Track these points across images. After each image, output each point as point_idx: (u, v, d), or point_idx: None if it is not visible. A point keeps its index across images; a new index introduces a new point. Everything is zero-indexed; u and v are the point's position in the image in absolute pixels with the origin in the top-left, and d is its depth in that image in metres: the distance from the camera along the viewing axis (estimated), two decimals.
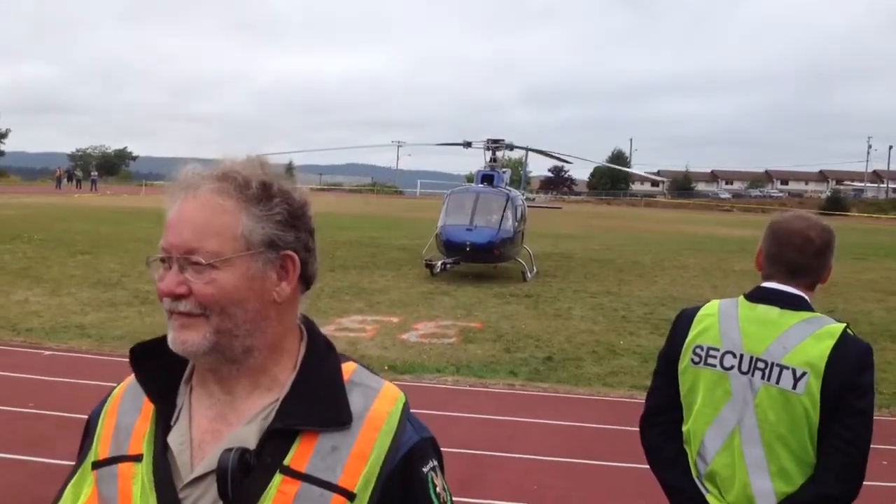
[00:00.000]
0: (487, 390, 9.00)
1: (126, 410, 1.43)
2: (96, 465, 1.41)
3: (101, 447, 1.42)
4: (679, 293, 17.32)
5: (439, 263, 18.30)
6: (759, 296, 2.64)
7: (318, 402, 1.35)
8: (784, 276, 2.62)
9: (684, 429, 2.68)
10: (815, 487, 2.42)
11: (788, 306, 2.57)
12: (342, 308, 13.56)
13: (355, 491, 1.30)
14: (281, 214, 1.36)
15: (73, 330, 11.11)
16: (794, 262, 2.60)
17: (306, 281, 1.43)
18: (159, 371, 1.41)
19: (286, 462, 1.30)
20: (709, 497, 2.58)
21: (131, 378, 1.46)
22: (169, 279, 1.30)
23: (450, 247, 18.29)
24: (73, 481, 1.44)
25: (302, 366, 1.39)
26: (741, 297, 2.69)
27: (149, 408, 1.40)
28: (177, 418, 1.38)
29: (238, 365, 1.35)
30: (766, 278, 2.67)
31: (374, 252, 23.14)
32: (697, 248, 30.15)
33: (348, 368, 1.43)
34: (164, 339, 1.40)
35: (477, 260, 18.64)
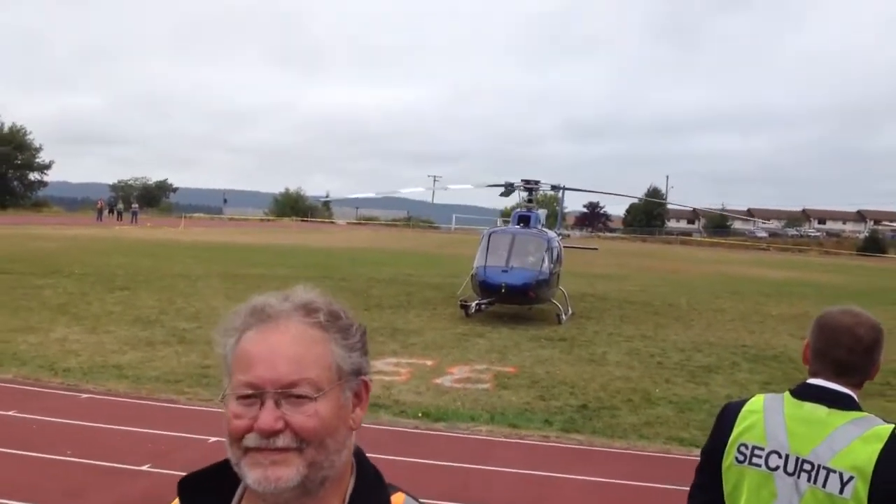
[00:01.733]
0: (522, 442, 8.92)
1: None
2: None
3: None
4: (716, 338, 17.15)
5: (474, 304, 18.28)
6: (805, 393, 2.58)
7: None
8: (832, 374, 2.56)
9: None
10: None
11: (836, 405, 2.51)
12: (377, 350, 13.55)
13: None
14: (360, 342, 1.38)
15: (111, 370, 11.20)
16: (843, 360, 2.54)
17: None
18: (207, 501, 1.39)
19: None
20: None
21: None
22: (266, 415, 1.26)
23: (485, 288, 18.27)
24: None
25: (352, 499, 1.36)
26: (787, 394, 2.63)
27: None
28: None
29: (310, 498, 1.32)
30: (813, 375, 2.61)
31: (410, 291, 23.16)
32: (734, 290, 29.84)
33: (397, 501, 1.41)
34: (212, 468, 1.41)
35: (512, 302, 18.62)
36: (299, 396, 1.28)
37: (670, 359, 14.36)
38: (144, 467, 7.01)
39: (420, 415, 9.67)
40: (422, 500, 1.46)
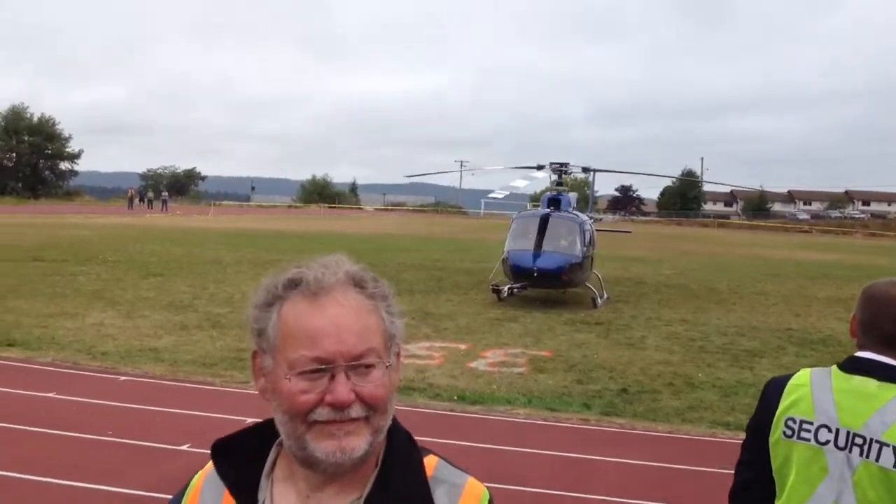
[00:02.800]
0: (561, 425, 8.81)
1: None
2: None
3: None
4: (759, 322, 16.88)
5: (506, 288, 18.16)
6: (854, 366, 2.51)
7: (403, 502, 1.34)
8: (880, 346, 2.49)
9: None
10: None
11: (886, 378, 2.43)
12: (409, 334, 13.43)
13: None
14: (397, 308, 1.40)
15: (147, 354, 11.25)
16: (891, 332, 2.47)
17: None
18: (241, 465, 1.40)
19: None
20: None
21: (209, 470, 1.44)
22: (341, 388, 1.27)
23: (517, 272, 18.13)
24: None
25: (384, 462, 1.37)
26: (834, 367, 2.56)
27: (230, 503, 1.39)
28: None
29: (359, 465, 1.32)
30: (861, 348, 2.54)
31: (440, 276, 23.11)
32: (776, 273, 29.44)
33: (430, 463, 1.41)
34: (245, 432, 1.44)
35: (545, 286, 18.44)
36: (367, 366, 1.30)
37: (712, 343, 14.14)
38: (184, 447, 7.04)
39: (455, 398, 9.59)
40: (456, 465, 1.45)
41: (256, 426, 1.44)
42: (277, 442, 1.41)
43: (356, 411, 1.28)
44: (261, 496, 1.37)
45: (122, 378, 9.88)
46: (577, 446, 7.99)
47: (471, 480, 1.41)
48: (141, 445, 7.16)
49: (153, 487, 5.96)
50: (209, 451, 1.43)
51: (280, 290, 1.33)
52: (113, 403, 8.64)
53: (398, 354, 1.39)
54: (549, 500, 6.41)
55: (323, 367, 1.28)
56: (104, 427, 7.64)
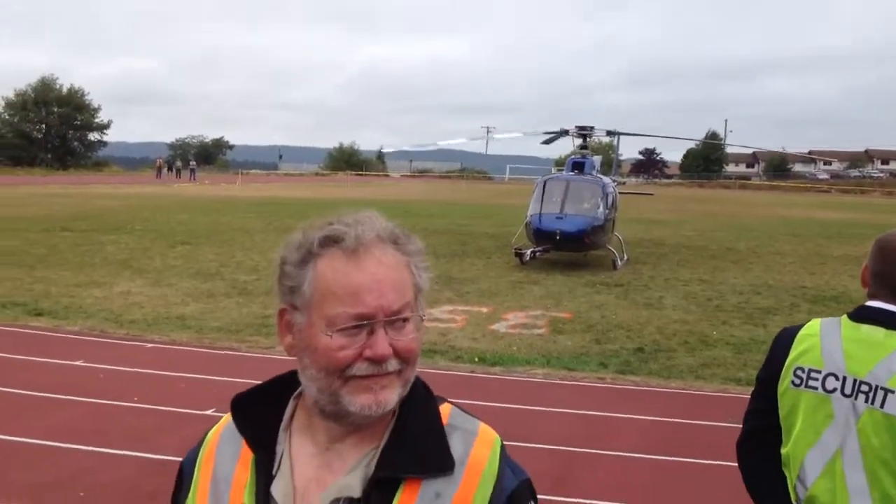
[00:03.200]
0: (578, 384, 8.96)
1: (223, 459, 1.43)
2: None
3: (198, 497, 1.42)
4: (775, 281, 16.91)
5: (528, 252, 18.24)
6: (863, 315, 2.53)
7: (420, 448, 1.36)
8: (890, 296, 2.50)
9: (783, 452, 2.60)
10: None
11: (894, 327, 2.45)
12: (433, 298, 13.61)
13: None
14: (425, 263, 1.41)
15: (174, 321, 11.47)
16: None
17: None
18: (259, 419, 1.42)
19: None
20: None
21: (225, 423, 1.47)
22: (382, 343, 1.30)
23: (540, 235, 18.20)
24: None
25: (400, 411, 1.39)
26: (844, 317, 2.58)
27: (247, 456, 1.40)
28: (278, 467, 1.38)
29: (383, 416, 1.36)
30: (871, 297, 2.56)
31: (464, 240, 23.20)
32: (794, 232, 29.28)
33: (445, 411, 1.43)
34: (262, 387, 1.46)
35: (567, 249, 18.51)
36: (404, 320, 1.32)
37: (728, 301, 14.21)
38: (209, 411, 7.18)
39: (476, 360, 9.74)
40: (469, 412, 1.48)
41: (273, 381, 1.47)
42: (295, 395, 1.44)
43: (392, 365, 1.31)
44: (278, 449, 1.39)
45: (149, 345, 10.11)
46: (592, 404, 8.12)
47: (483, 426, 1.43)
48: (167, 411, 7.34)
49: (180, 452, 6.06)
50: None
51: (316, 246, 1.33)
52: (140, 370, 8.86)
53: (424, 308, 1.41)
54: (565, 456, 6.56)
55: (364, 322, 1.30)
56: (131, 394, 7.84)
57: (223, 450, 1.44)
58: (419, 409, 1.40)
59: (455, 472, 1.34)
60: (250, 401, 1.45)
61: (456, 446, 1.37)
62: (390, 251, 1.34)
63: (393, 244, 1.35)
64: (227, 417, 1.47)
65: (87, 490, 5.61)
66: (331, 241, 1.34)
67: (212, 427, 1.51)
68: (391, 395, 1.32)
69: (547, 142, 23.93)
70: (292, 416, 1.43)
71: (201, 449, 1.48)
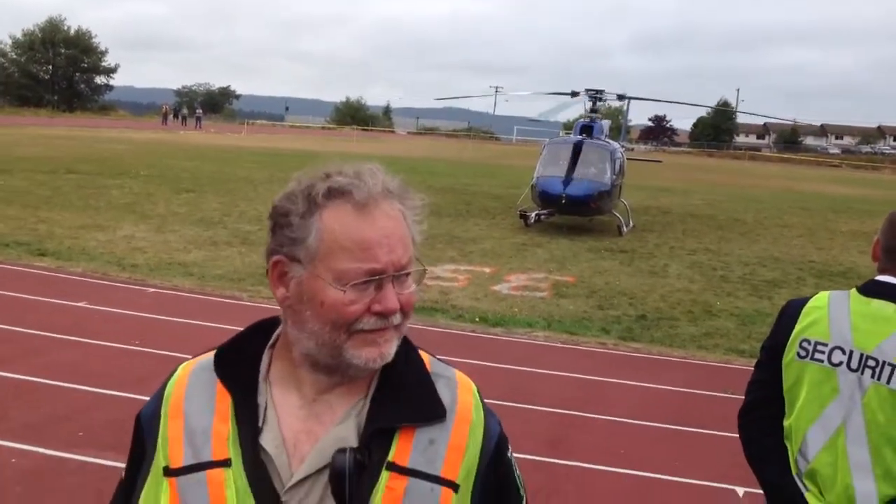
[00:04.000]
0: (579, 348, 8.95)
1: (195, 411, 1.38)
2: (172, 472, 1.34)
3: (171, 452, 1.35)
4: (781, 253, 16.86)
5: (533, 215, 18.17)
6: (873, 290, 2.49)
7: (412, 397, 1.37)
8: None
9: (786, 424, 2.58)
10: None
11: None
12: (435, 256, 13.59)
13: (458, 482, 1.34)
14: (420, 215, 1.40)
15: (177, 268, 11.48)
16: None
17: None
18: (238, 370, 1.40)
19: (390, 458, 1.32)
20: (808, 496, 2.48)
21: (186, 375, 1.44)
22: (392, 297, 1.31)
23: (545, 199, 18.10)
24: (144, 489, 1.38)
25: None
26: (853, 290, 2.55)
27: (224, 408, 1.37)
28: (264, 418, 1.36)
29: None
30: (882, 272, 2.52)
31: (469, 200, 23.12)
32: (803, 206, 29.15)
33: (425, 359, 1.45)
34: (239, 337, 1.45)
35: (572, 213, 18.40)
36: (408, 274, 1.34)
37: (733, 272, 14.18)
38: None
39: (477, 319, 9.73)
40: (440, 357, 1.50)
41: (247, 332, 1.46)
42: (269, 346, 1.43)
43: (396, 318, 1.32)
44: (260, 399, 1.37)
45: (151, 290, 10.11)
46: (592, 369, 8.12)
47: (459, 373, 1.46)
48: (167, 356, 7.32)
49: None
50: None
51: (321, 198, 1.31)
52: (141, 314, 8.87)
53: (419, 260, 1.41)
54: (565, 420, 6.57)
55: (375, 277, 1.29)
56: (132, 337, 7.86)
57: (194, 403, 1.39)
58: (404, 358, 1.40)
59: (446, 419, 1.37)
60: (230, 351, 1.43)
61: (443, 393, 1.40)
62: (396, 206, 1.34)
63: (399, 199, 1.36)
64: (185, 369, 1.44)
65: (86, 429, 5.63)
66: (338, 193, 1.31)
67: (169, 380, 1.46)
68: (392, 348, 1.34)
69: (556, 110, 23.66)
70: (268, 367, 1.41)
71: (163, 402, 1.42)
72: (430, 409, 1.37)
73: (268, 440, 1.34)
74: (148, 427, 1.42)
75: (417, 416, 1.35)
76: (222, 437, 1.34)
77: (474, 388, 1.45)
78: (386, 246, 1.29)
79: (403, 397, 1.36)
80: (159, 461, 1.36)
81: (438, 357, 1.49)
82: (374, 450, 1.31)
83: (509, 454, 1.46)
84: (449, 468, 1.34)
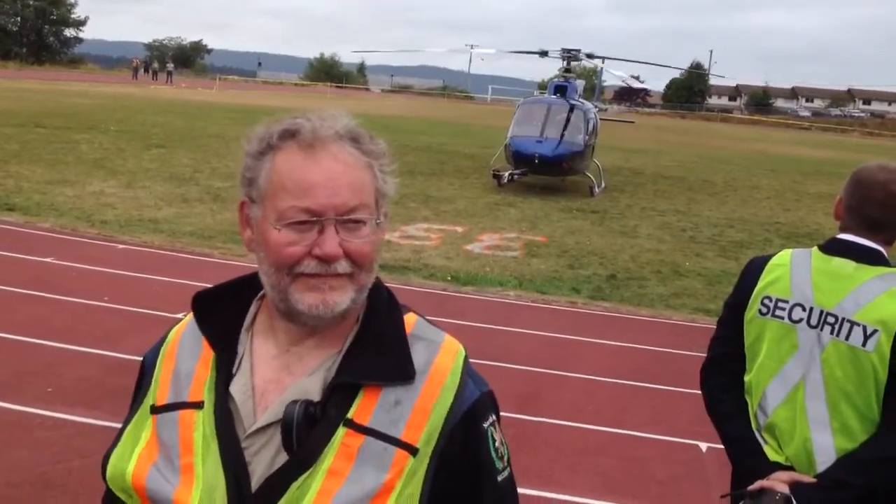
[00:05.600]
0: (549, 307, 9.03)
1: (185, 355, 1.41)
2: (155, 409, 1.39)
3: (159, 391, 1.41)
4: (749, 215, 17.05)
5: (506, 174, 18.17)
6: (834, 248, 2.54)
7: (382, 356, 1.34)
8: (862, 230, 2.50)
9: (746, 379, 2.63)
10: (877, 446, 2.37)
11: (864, 260, 2.46)
12: (408, 215, 13.60)
13: (418, 446, 1.30)
14: (391, 167, 1.38)
15: (147, 224, 11.39)
16: (874, 216, 2.47)
17: None
18: (220, 318, 1.41)
19: (349, 415, 1.30)
20: (767, 449, 2.54)
21: (188, 322, 1.46)
22: (331, 242, 1.27)
23: (518, 158, 18.09)
24: (131, 423, 1.43)
25: (364, 318, 1.38)
26: (815, 249, 2.59)
27: (208, 354, 1.39)
28: (238, 366, 1.37)
29: (340, 320, 1.34)
30: (844, 230, 2.55)
31: (443, 159, 23.05)
32: (771, 168, 29.39)
33: (409, 321, 1.41)
34: (226, 286, 1.44)
35: (545, 173, 18.41)
36: (357, 221, 1.29)
37: (702, 233, 14.33)
38: (180, 314, 7.14)
39: (449, 278, 9.78)
40: (434, 324, 1.46)
41: (238, 280, 1.46)
42: (259, 296, 1.42)
43: (342, 267, 1.29)
44: (240, 349, 1.38)
45: (121, 246, 10.05)
46: (563, 328, 8.21)
47: (448, 337, 1.42)
48: (136, 312, 7.33)
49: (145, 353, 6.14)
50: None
51: (275, 139, 1.31)
52: (110, 270, 8.82)
53: (386, 214, 1.38)
54: (535, 378, 6.65)
55: (313, 219, 1.27)
56: (101, 293, 7.82)
57: (185, 347, 1.43)
58: (383, 317, 1.38)
59: (416, 380, 1.33)
60: (213, 300, 1.43)
61: (418, 355, 1.36)
62: (348, 149, 1.31)
63: (352, 142, 1.32)
64: (189, 316, 1.45)
65: (55, 385, 5.62)
66: (290, 135, 1.31)
67: (174, 326, 1.49)
68: (340, 297, 1.30)
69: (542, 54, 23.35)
70: (255, 317, 1.42)
71: (164, 346, 1.47)
72: (397, 369, 1.33)
73: (236, 387, 1.35)
74: (149, 369, 1.46)
75: (383, 375, 1.32)
76: (200, 381, 1.37)
77: (460, 353, 1.40)
78: (330, 188, 1.28)
79: (373, 355, 1.34)
80: (149, 399, 1.41)
81: (429, 319, 1.46)
82: (333, 405, 1.30)
83: (486, 424, 1.39)
84: (410, 431, 1.30)
